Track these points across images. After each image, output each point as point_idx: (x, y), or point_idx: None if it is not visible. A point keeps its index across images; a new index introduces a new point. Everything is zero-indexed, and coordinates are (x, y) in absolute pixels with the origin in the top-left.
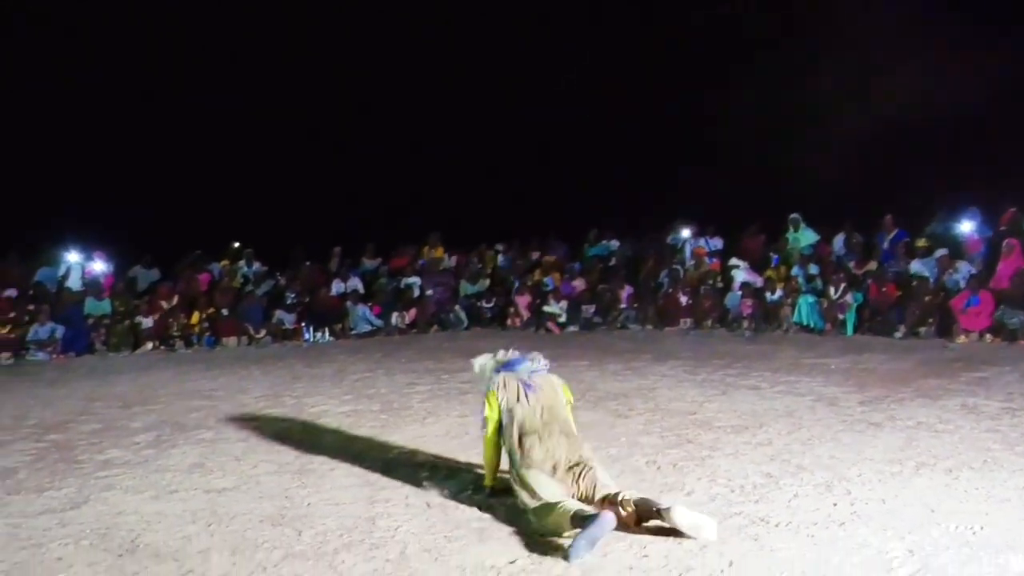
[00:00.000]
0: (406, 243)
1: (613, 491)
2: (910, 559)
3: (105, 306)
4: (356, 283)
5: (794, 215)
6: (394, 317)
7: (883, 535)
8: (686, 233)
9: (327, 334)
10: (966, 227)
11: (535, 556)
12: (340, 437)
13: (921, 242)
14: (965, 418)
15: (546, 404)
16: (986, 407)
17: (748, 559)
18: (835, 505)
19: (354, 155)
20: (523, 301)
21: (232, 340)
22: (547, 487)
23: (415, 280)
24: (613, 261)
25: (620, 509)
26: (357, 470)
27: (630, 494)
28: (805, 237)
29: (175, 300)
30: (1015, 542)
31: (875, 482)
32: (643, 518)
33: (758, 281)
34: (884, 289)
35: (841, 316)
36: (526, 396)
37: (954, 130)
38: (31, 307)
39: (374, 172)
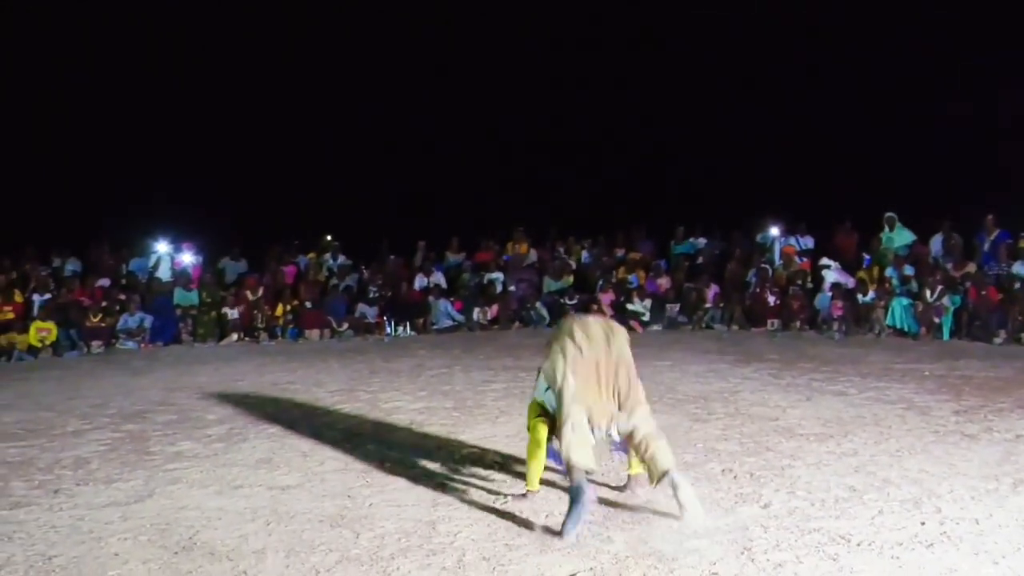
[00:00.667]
0: (491, 237)
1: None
2: None
3: (193, 297)
4: (439, 278)
5: (889, 214)
6: (476, 313)
7: (975, 559)
8: (775, 231)
9: (408, 328)
10: None
11: (596, 569)
12: (410, 435)
13: None
14: None
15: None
16: None
17: None
18: (923, 524)
19: (440, 147)
20: (606, 298)
21: (315, 333)
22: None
23: (498, 276)
24: (699, 259)
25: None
26: (423, 470)
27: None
28: (900, 237)
29: (261, 292)
30: None
31: (968, 500)
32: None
33: (850, 282)
34: (984, 292)
35: (937, 320)
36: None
37: None
38: (122, 296)
39: (459, 166)
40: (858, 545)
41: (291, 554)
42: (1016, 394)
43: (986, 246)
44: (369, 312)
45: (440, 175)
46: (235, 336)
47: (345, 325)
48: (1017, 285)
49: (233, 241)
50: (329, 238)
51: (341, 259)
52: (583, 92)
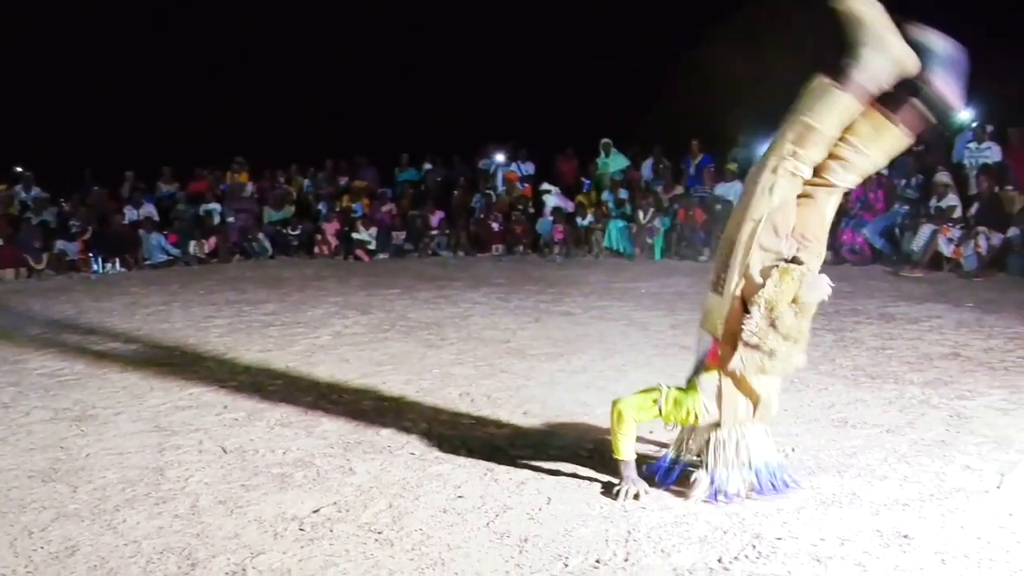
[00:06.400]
0: (205, 167)
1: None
2: None
3: None
4: (150, 210)
5: (605, 140)
6: (192, 246)
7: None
8: (500, 158)
9: (118, 265)
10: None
11: (340, 503)
12: (127, 378)
13: (731, 166)
14: None
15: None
16: None
17: (566, 494)
18: (651, 432)
19: (151, 71)
20: (331, 228)
21: (9, 272)
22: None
23: (215, 207)
24: (424, 187)
25: None
26: (145, 414)
27: None
28: (615, 162)
29: None
30: (826, 463)
31: None
32: None
33: (569, 206)
34: (691, 213)
35: (650, 241)
36: None
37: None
38: None
39: (173, 90)
40: (590, 458)
41: None
42: None
43: (692, 170)
44: (70, 248)
45: (149, 100)
46: None
47: (44, 263)
48: (719, 206)
49: None
50: (20, 169)
51: (36, 191)
52: (304, 20)
